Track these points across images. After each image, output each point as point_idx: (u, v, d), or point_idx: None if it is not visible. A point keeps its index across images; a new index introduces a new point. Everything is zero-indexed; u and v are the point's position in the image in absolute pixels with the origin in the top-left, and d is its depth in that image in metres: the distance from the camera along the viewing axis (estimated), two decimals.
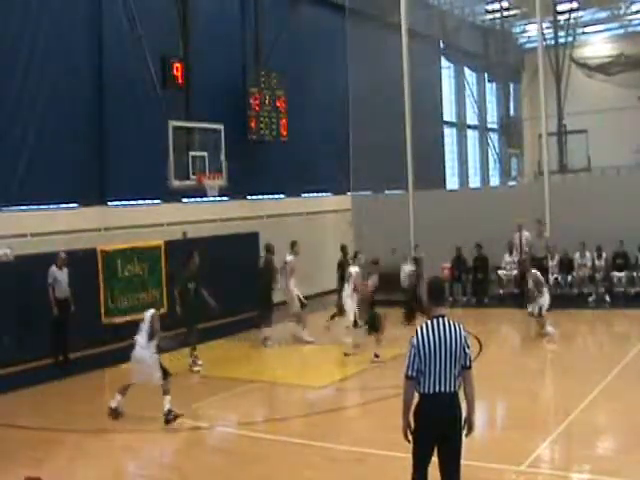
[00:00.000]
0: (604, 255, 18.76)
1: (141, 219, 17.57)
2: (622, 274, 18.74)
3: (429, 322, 6.20)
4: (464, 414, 6.30)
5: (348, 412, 10.89)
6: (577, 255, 19.05)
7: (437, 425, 6.16)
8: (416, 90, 22.32)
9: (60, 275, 14.13)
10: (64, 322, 14.09)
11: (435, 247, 19.68)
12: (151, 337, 10.75)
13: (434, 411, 6.15)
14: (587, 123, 30.45)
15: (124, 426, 10.76)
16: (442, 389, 6.10)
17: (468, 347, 6.22)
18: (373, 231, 20.38)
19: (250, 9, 21.11)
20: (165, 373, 10.68)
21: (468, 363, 6.20)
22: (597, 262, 18.80)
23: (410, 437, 6.33)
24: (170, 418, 10.42)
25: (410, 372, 6.13)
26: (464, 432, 6.32)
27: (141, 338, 10.79)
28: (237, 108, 20.02)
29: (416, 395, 6.30)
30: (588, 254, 18.91)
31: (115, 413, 10.80)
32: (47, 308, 14.06)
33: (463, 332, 6.22)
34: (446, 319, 6.21)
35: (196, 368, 13.59)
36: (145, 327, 10.82)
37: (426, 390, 6.13)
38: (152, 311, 11.11)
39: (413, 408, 6.27)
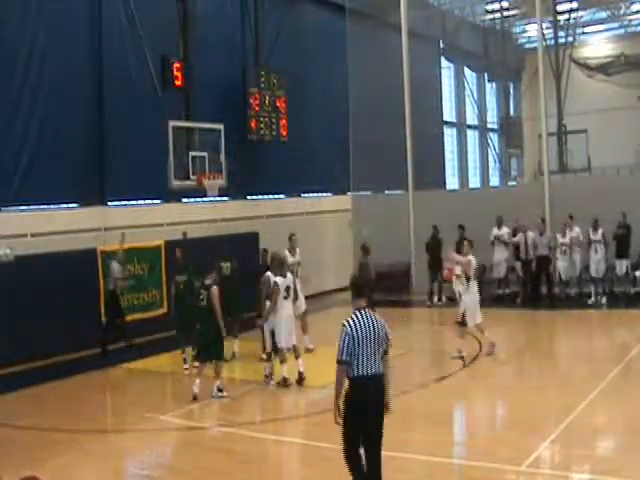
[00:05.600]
0: (600, 230, 18.27)
1: (141, 219, 17.56)
2: (623, 261, 18.43)
3: (357, 313, 6.91)
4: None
5: None
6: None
7: (370, 403, 6.80)
8: (416, 90, 22.33)
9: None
10: (115, 312, 15.24)
11: None
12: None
13: (367, 391, 6.78)
14: (587, 123, 30.43)
15: (124, 426, 10.78)
16: (373, 371, 6.80)
17: (388, 332, 7.01)
18: (373, 231, 20.38)
19: (250, 9, 21.10)
20: None
21: (388, 348, 7.01)
22: (592, 236, 18.32)
23: (340, 420, 6.86)
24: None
25: (345, 357, 6.75)
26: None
27: (290, 302, 12.44)
28: (237, 108, 20.01)
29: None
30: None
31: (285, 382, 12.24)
32: (47, 308, 14.10)
33: (382, 321, 6.98)
34: (367, 310, 6.97)
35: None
36: (292, 291, 12.51)
37: (358, 373, 6.75)
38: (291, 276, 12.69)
39: (346, 391, 6.80)
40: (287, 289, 12.48)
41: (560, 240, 18.56)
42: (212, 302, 11.80)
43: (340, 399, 6.83)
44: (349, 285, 7.24)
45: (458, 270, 14.09)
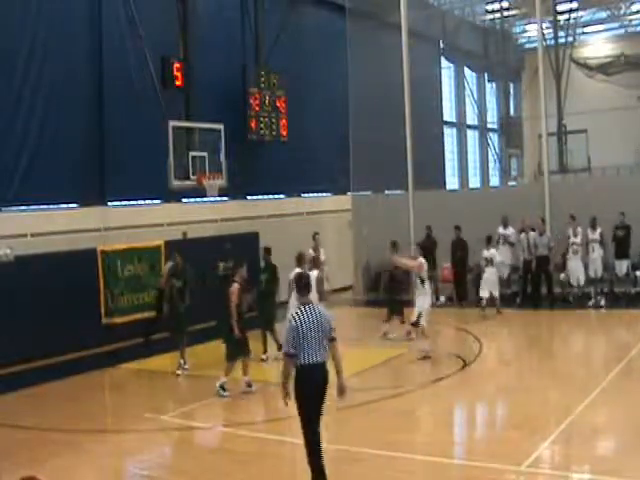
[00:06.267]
0: (599, 230, 18.25)
1: (141, 219, 17.57)
2: (623, 262, 18.39)
3: (301, 308, 7.57)
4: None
5: (348, 412, 10.87)
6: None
7: (318, 388, 7.44)
8: (416, 90, 22.31)
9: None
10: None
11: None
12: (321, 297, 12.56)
13: (314, 377, 7.42)
14: (587, 123, 30.42)
15: (124, 426, 10.78)
16: (318, 359, 7.43)
17: (332, 323, 7.61)
18: (373, 231, 20.36)
19: (250, 9, 21.11)
20: None
21: (333, 335, 7.58)
22: (590, 235, 18.32)
23: (288, 402, 7.59)
24: None
25: (291, 350, 7.42)
26: (338, 395, 7.63)
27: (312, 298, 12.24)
28: (237, 108, 20.02)
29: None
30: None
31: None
32: (47, 308, 14.10)
33: (326, 313, 7.66)
34: (313, 305, 7.66)
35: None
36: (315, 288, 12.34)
37: (306, 362, 7.39)
38: (315, 272, 12.72)
39: (295, 379, 7.45)
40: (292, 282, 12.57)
41: (572, 240, 18.48)
42: (228, 299, 11.88)
43: (289, 386, 7.53)
44: (294, 282, 7.85)
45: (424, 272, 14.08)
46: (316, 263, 13.15)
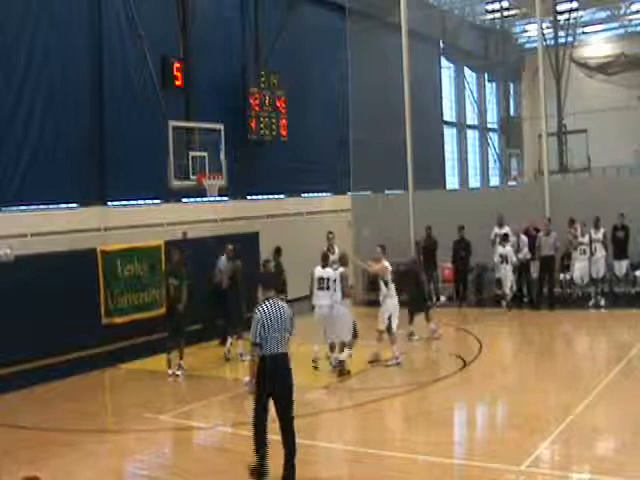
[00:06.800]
0: (602, 230, 18.25)
1: (141, 219, 17.55)
2: (623, 262, 18.43)
3: (266, 302, 8.14)
4: None
5: (348, 412, 10.89)
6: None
7: (279, 377, 8.00)
8: (416, 90, 22.32)
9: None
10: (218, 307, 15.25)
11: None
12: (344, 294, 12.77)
13: (276, 366, 7.98)
14: (587, 123, 30.45)
15: (124, 426, 10.78)
16: (281, 350, 8.02)
17: (293, 318, 8.24)
18: (373, 231, 20.35)
19: (250, 9, 21.10)
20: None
21: (293, 330, 8.23)
22: (594, 235, 18.33)
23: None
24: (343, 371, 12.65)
25: (258, 340, 7.97)
26: None
27: (327, 294, 12.75)
28: (237, 108, 20.02)
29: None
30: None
31: None
32: (47, 308, 14.08)
33: (288, 308, 8.24)
34: (275, 299, 8.22)
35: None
36: (330, 283, 12.73)
37: (269, 352, 7.97)
38: (342, 270, 12.83)
39: (258, 368, 7.94)
40: (321, 280, 12.94)
41: (580, 239, 18.47)
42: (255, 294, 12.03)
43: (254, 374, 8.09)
44: (260, 279, 8.36)
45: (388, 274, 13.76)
46: (343, 261, 13.21)
